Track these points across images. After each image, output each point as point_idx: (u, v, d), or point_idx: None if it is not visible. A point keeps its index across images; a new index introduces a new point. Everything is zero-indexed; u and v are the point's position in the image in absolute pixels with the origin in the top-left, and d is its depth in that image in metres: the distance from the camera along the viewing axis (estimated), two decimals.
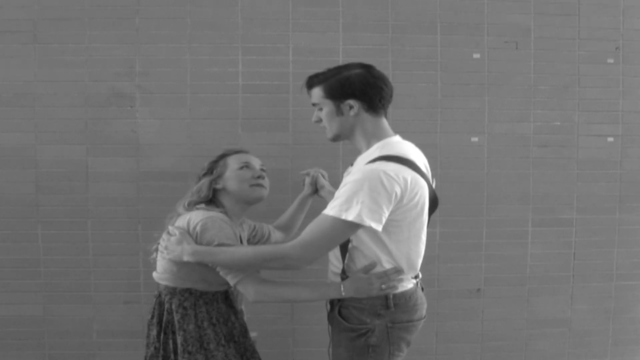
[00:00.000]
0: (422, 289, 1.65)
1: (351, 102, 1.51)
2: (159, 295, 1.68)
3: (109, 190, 2.34)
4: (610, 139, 2.48)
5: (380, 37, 2.37)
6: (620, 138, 2.48)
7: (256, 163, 1.77)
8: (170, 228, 1.63)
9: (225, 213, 1.67)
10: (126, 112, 2.33)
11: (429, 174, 1.59)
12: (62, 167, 2.33)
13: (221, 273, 1.57)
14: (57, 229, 2.34)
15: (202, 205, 1.67)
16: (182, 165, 2.32)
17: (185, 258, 1.54)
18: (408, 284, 1.57)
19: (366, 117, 1.54)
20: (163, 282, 1.66)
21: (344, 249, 1.52)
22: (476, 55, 2.41)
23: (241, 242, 1.67)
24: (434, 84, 2.39)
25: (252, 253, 1.54)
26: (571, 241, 2.50)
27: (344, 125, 1.55)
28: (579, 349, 2.55)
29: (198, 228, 1.57)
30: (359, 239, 1.49)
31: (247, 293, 1.56)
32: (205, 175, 1.75)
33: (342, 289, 1.51)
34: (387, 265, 1.51)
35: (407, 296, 1.55)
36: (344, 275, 1.54)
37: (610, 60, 2.45)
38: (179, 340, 1.60)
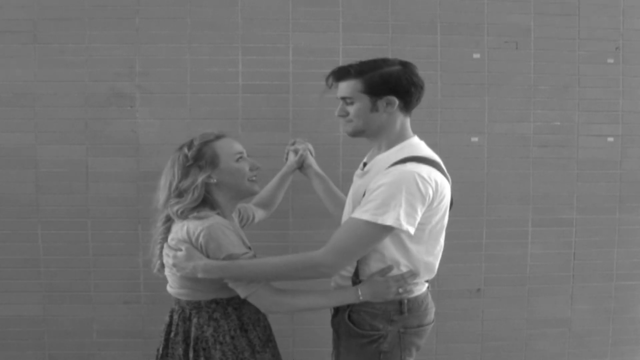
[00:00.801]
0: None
1: (390, 98, 1.45)
2: (182, 311, 1.55)
3: (108, 190, 2.34)
4: (610, 139, 2.47)
5: (380, 37, 2.37)
6: (620, 138, 2.48)
7: (244, 150, 1.61)
8: (172, 243, 1.49)
9: (220, 213, 1.54)
10: (126, 112, 2.33)
11: None
12: (62, 167, 2.32)
13: (230, 285, 1.47)
14: (57, 229, 2.33)
15: (194, 214, 1.48)
16: None
17: (200, 275, 1.42)
18: (422, 287, 1.54)
19: (398, 115, 1.48)
20: (184, 298, 1.54)
21: None
22: (476, 55, 2.41)
23: (243, 242, 1.56)
24: (434, 84, 2.39)
25: (282, 264, 1.45)
26: (571, 241, 2.50)
27: (375, 122, 1.48)
28: (579, 349, 2.55)
29: (202, 240, 1.44)
30: (381, 242, 1.43)
31: (261, 305, 1.47)
32: (191, 166, 1.53)
33: (359, 293, 1.44)
34: (404, 268, 1.47)
35: (419, 301, 1.52)
36: (355, 278, 1.48)
37: (610, 60, 2.44)
38: (217, 355, 1.50)
